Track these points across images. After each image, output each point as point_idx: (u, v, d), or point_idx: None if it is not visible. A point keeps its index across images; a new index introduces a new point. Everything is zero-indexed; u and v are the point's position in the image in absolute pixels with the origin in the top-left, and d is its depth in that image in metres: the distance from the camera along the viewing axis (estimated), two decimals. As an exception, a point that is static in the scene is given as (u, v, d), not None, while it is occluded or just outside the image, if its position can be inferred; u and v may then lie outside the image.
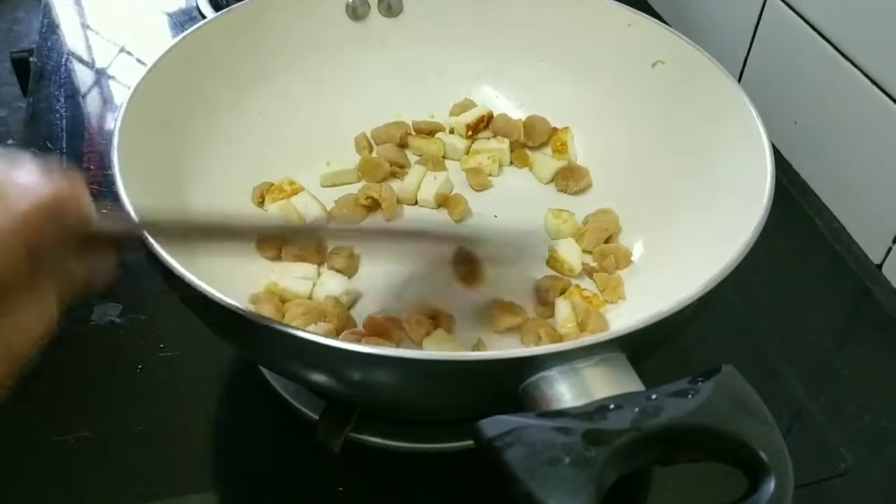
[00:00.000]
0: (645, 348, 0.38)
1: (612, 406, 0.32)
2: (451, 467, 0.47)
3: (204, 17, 0.80)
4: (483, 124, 0.62)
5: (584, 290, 0.52)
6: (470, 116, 0.61)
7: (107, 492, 0.45)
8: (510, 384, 0.35)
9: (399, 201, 0.57)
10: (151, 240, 0.38)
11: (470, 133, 0.61)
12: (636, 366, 0.35)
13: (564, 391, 0.33)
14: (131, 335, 0.53)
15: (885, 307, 0.59)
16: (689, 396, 0.32)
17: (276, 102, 0.58)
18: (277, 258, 0.53)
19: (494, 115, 0.62)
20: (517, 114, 0.63)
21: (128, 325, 0.54)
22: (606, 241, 0.54)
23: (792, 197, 0.66)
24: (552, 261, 0.54)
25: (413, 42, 0.62)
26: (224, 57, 0.55)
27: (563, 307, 0.50)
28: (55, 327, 0.32)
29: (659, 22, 0.56)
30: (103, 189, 0.64)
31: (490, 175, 0.60)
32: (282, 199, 0.55)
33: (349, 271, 0.53)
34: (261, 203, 0.56)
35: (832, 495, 0.47)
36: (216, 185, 0.53)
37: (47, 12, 0.85)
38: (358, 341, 0.47)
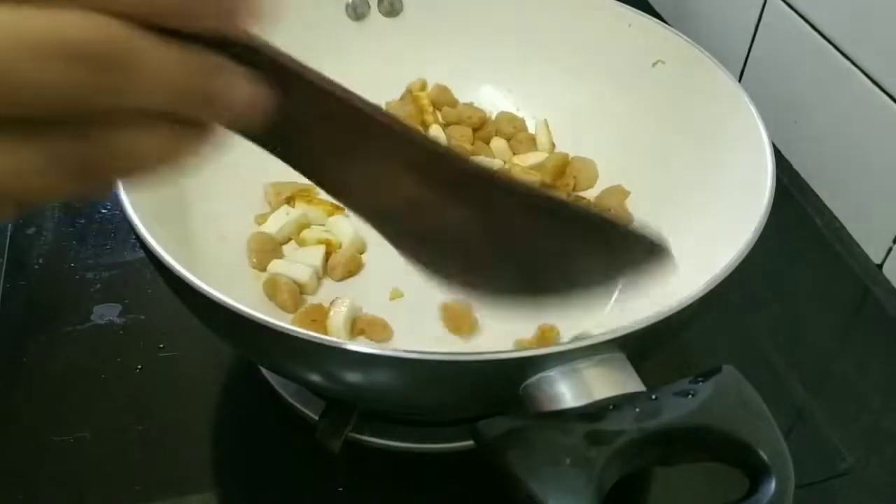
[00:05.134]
0: (645, 348, 0.38)
1: (612, 406, 0.32)
2: (451, 467, 0.47)
3: (204, 16, 0.80)
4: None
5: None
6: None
7: (107, 492, 0.45)
8: (511, 384, 0.35)
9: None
10: (151, 239, 0.38)
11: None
12: (636, 366, 0.35)
13: (565, 391, 0.33)
14: (131, 335, 0.53)
15: (886, 307, 0.59)
16: (690, 396, 0.32)
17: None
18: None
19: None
20: (518, 114, 0.63)
21: (128, 325, 0.54)
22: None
23: (792, 197, 0.66)
24: None
25: (413, 42, 0.62)
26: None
27: None
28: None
29: (659, 22, 0.57)
30: (103, 189, 0.64)
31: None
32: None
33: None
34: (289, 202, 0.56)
35: (832, 495, 0.47)
36: (218, 184, 0.53)
37: (47, 12, 0.85)
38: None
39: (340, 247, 0.53)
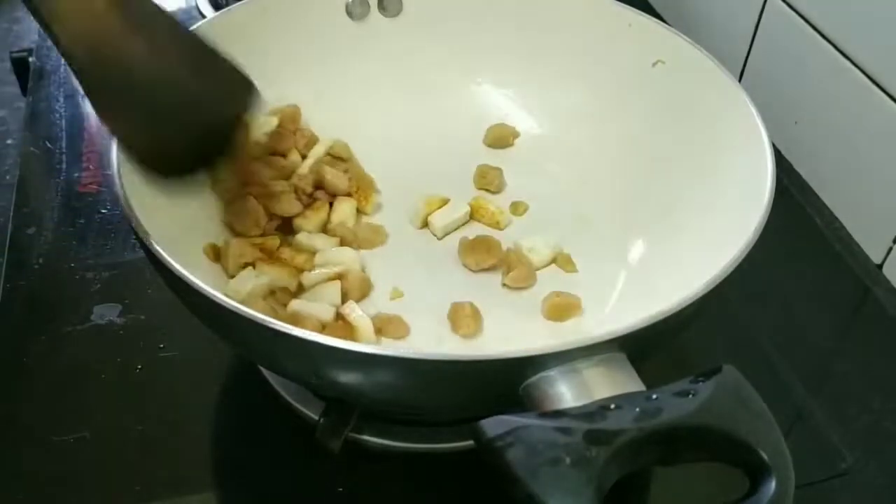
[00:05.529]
0: (645, 348, 0.38)
1: (612, 406, 0.32)
2: (452, 467, 0.47)
3: (204, 16, 0.80)
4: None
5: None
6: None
7: (107, 492, 0.45)
8: (511, 384, 0.35)
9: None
10: (151, 239, 0.38)
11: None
12: (636, 366, 0.35)
13: (565, 391, 0.33)
14: (131, 335, 0.53)
15: (886, 307, 0.59)
16: (690, 396, 0.32)
17: (275, 102, 0.58)
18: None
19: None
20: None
21: (128, 325, 0.54)
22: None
23: (792, 197, 0.66)
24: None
25: (413, 42, 0.62)
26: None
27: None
28: None
29: (659, 22, 0.56)
30: (103, 189, 0.64)
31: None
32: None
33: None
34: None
35: (832, 495, 0.47)
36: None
37: (47, 12, 0.85)
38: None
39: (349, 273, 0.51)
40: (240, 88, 0.45)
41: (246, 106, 0.46)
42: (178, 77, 0.41)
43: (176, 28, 0.43)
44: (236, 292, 0.47)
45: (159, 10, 0.41)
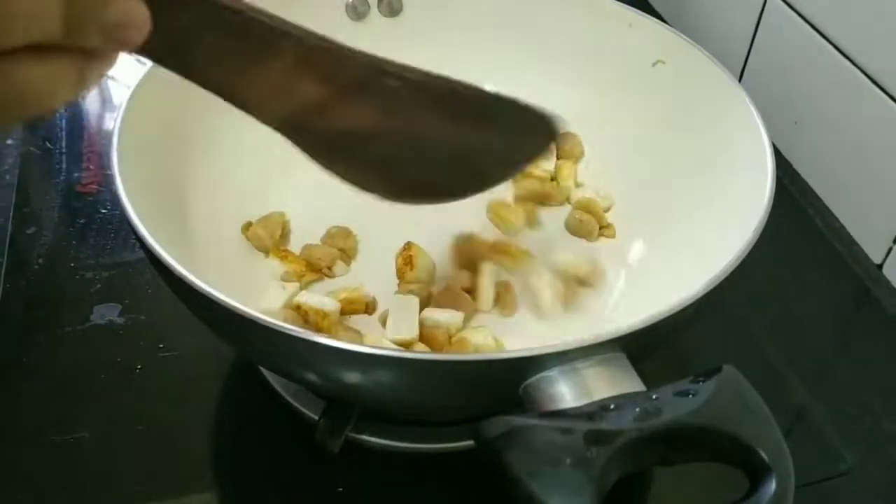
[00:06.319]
0: (645, 348, 0.38)
1: (612, 406, 0.32)
2: (452, 467, 0.47)
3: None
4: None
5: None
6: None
7: (107, 492, 0.45)
8: (511, 384, 0.35)
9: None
10: (151, 239, 0.38)
11: None
12: (636, 366, 0.35)
13: (565, 391, 0.33)
14: (131, 335, 0.53)
15: (885, 307, 0.59)
16: (690, 396, 0.32)
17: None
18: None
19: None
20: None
21: (128, 325, 0.54)
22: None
23: (792, 197, 0.66)
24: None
25: (413, 42, 0.62)
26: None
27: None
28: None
29: (659, 22, 0.57)
30: (103, 189, 0.64)
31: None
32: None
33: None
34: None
35: (832, 495, 0.47)
36: (217, 185, 0.53)
37: (47, 12, 0.85)
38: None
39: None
40: (530, 130, 0.40)
41: (539, 146, 0.41)
42: (428, 136, 0.37)
43: (427, 83, 0.38)
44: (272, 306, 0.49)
45: (404, 73, 0.37)
